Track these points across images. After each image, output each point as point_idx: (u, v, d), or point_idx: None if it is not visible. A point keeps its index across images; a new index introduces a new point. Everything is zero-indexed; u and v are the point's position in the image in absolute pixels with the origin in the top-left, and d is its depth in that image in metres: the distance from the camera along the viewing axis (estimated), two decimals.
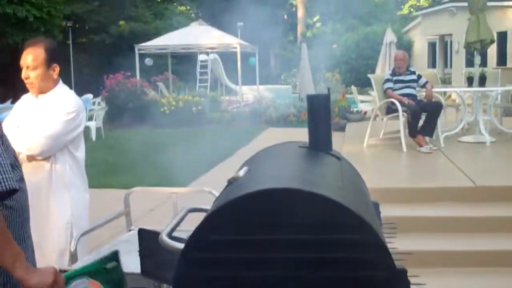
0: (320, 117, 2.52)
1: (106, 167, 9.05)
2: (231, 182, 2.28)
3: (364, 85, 21.70)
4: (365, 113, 13.81)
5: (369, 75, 8.64)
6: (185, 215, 2.51)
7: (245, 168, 2.30)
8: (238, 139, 12.26)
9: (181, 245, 2.02)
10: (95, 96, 20.43)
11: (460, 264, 4.38)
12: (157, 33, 26.43)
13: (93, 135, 12.95)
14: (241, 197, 1.83)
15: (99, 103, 18.69)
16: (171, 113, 15.50)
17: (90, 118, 13.86)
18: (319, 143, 2.50)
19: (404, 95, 7.69)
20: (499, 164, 6.51)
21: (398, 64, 7.96)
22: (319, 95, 2.55)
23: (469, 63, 17.31)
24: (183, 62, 26.31)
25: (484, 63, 13.86)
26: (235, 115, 16.53)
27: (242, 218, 1.81)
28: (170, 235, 2.23)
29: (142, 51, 18.51)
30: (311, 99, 2.54)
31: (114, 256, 2.40)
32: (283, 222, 1.79)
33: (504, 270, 4.29)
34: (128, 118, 15.42)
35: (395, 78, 7.90)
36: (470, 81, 8.10)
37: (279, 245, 1.79)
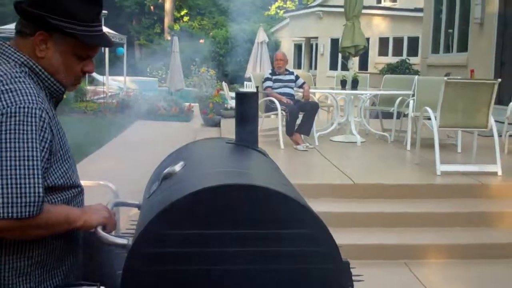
0: (249, 114, 2.57)
1: None
2: (167, 177, 2.25)
3: (232, 81, 22.01)
4: None
5: (250, 73, 8.86)
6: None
7: (181, 163, 2.28)
8: (106, 130, 11.90)
9: (123, 240, 1.98)
10: None
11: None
12: (15, 16, 24.77)
13: None
14: (196, 192, 1.83)
15: None
16: None
17: None
18: (246, 140, 2.56)
19: (282, 94, 7.95)
20: (370, 163, 6.95)
21: (278, 64, 8.21)
22: (248, 93, 2.61)
23: (333, 66, 18.25)
24: None
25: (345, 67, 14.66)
26: (102, 106, 16.03)
27: (198, 213, 1.81)
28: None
29: (1, 35, 17.29)
30: (240, 96, 2.60)
31: None
32: (240, 217, 1.81)
33: (379, 262, 4.65)
34: None
35: (274, 77, 8.14)
36: (343, 83, 8.57)
37: (235, 239, 1.82)
